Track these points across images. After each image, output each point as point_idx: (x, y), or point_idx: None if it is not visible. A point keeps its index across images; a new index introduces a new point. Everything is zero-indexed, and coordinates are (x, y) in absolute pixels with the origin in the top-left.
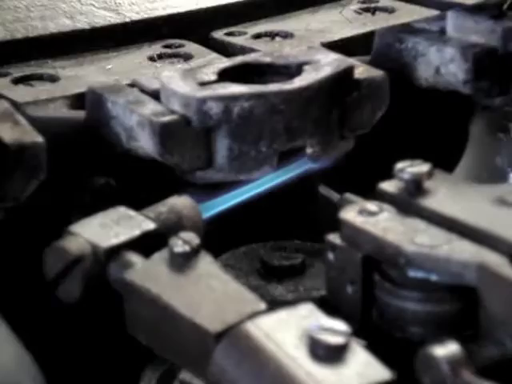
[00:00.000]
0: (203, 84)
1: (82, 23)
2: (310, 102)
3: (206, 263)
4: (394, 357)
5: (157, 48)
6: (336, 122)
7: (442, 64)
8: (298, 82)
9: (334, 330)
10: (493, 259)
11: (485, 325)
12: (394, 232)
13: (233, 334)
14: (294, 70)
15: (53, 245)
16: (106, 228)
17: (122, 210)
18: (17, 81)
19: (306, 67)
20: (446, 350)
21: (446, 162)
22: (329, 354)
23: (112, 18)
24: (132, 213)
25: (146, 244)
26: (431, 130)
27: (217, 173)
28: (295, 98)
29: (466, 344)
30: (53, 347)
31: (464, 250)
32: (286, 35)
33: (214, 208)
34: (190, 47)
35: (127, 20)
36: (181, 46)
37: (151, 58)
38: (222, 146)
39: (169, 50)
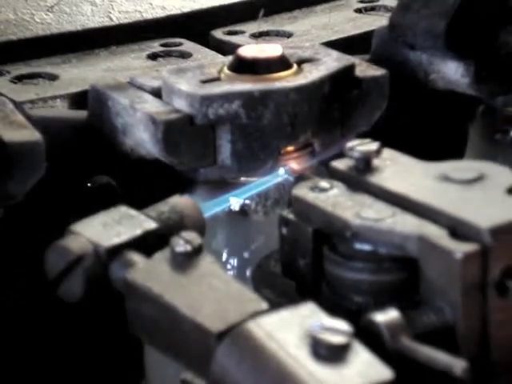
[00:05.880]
0: (205, 81)
1: (81, 23)
2: (313, 99)
3: (208, 263)
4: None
5: (155, 47)
6: (338, 120)
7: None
8: (302, 80)
9: (336, 329)
10: (432, 231)
11: (425, 293)
12: (342, 207)
13: (234, 334)
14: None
15: (54, 244)
16: (108, 227)
17: (123, 210)
18: (16, 80)
19: (308, 65)
20: (387, 316)
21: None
22: (330, 354)
23: (111, 18)
24: (133, 212)
25: (148, 243)
26: (430, 129)
27: (220, 171)
28: (299, 95)
29: (406, 311)
30: (54, 346)
31: (406, 223)
32: (285, 34)
33: (215, 208)
34: (188, 46)
35: (126, 21)
36: (179, 44)
37: (150, 57)
38: (225, 144)
39: (167, 49)
